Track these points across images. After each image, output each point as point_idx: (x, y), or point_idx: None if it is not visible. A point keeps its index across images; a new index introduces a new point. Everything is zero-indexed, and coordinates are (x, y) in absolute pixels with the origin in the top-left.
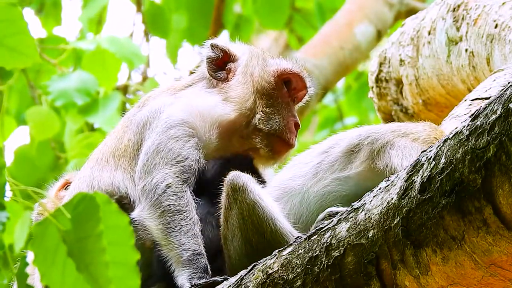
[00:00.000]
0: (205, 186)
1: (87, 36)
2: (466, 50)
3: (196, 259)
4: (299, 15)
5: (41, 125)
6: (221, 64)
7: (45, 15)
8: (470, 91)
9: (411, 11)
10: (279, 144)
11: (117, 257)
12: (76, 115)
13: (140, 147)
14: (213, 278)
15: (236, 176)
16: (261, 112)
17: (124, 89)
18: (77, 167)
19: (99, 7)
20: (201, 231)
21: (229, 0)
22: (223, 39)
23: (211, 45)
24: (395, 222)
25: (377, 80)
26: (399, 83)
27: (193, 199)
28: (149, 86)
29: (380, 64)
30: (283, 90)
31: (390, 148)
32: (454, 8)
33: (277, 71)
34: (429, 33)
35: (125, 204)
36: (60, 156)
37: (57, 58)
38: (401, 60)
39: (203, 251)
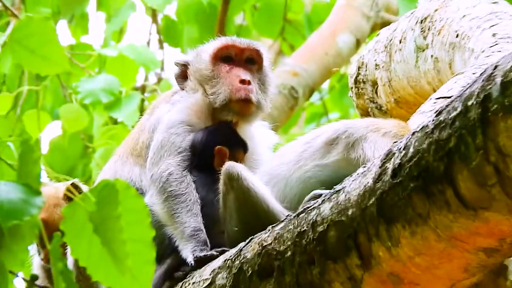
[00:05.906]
0: (200, 160)
1: (110, 44)
2: (432, 56)
3: (196, 234)
4: (290, 25)
5: (72, 120)
6: (187, 75)
7: (74, 25)
8: (435, 91)
9: (385, 23)
10: (235, 105)
11: (135, 234)
12: (102, 111)
13: None
14: (213, 250)
15: (231, 166)
16: (210, 95)
17: (143, 89)
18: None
19: (121, 22)
20: (202, 207)
21: (230, 13)
22: (185, 54)
23: (175, 63)
24: (370, 202)
25: (356, 81)
26: (374, 84)
27: (193, 178)
28: (164, 86)
29: (358, 68)
30: (225, 67)
31: (363, 142)
32: (422, 20)
33: (210, 56)
34: (400, 42)
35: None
36: (88, 146)
37: (85, 63)
38: (376, 65)
39: (202, 227)
